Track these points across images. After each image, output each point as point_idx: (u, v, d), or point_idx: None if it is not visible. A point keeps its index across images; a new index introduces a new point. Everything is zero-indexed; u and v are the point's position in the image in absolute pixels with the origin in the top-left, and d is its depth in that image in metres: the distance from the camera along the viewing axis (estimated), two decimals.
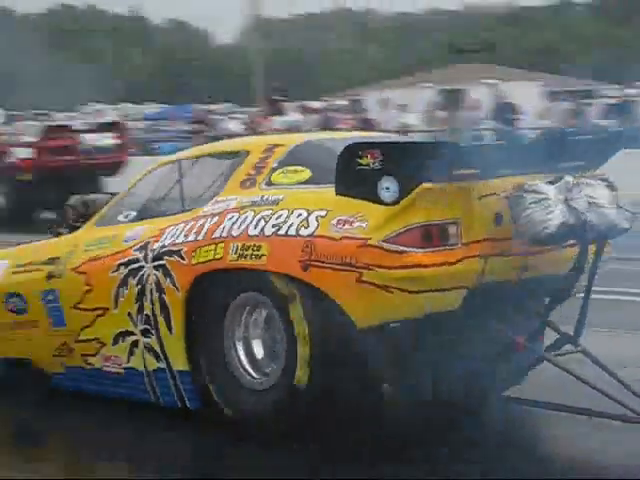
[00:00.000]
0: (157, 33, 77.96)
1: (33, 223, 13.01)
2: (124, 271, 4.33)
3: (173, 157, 5.04)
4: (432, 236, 3.47)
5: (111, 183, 14.10)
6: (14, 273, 4.99)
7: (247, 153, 4.37)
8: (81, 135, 13.27)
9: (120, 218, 4.70)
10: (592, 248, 3.76)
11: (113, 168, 13.65)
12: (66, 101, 46.47)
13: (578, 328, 3.90)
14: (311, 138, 4.94)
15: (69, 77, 53.45)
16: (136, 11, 77.73)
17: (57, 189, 12.86)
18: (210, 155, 4.78)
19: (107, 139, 13.30)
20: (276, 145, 4.37)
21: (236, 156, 4.42)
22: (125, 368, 4.43)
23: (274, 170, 4.16)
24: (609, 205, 3.65)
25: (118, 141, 13.62)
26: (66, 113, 41.81)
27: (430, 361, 3.71)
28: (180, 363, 4.15)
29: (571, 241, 3.70)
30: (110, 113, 40.57)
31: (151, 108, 44.00)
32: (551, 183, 3.57)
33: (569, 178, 3.61)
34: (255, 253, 3.80)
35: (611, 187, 3.78)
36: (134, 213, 4.67)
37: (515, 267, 3.67)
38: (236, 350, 4.03)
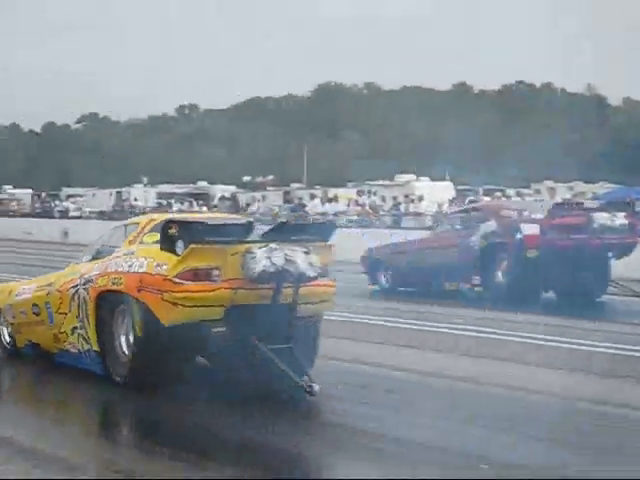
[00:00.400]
0: (610, 111, 76.80)
1: (536, 302, 12.80)
2: (73, 290, 7.42)
3: (117, 223, 8.97)
4: (199, 275, 6.35)
5: (618, 265, 13.65)
6: (36, 291, 8.18)
7: (138, 224, 7.67)
8: (591, 214, 12.93)
9: (84, 259, 7.97)
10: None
11: (623, 249, 13.14)
12: (518, 178, 47.17)
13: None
14: (168, 216, 7.94)
15: (522, 153, 54.54)
16: (593, 90, 77.89)
17: (562, 268, 12.75)
18: (128, 225, 8.02)
19: (618, 219, 12.80)
20: (152, 220, 7.57)
21: (135, 225, 7.70)
22: (78, 350, 7.38)
23: (145, 234, 7.25)
24: (301, 262, 6.28)
25: (629, 221, 13.03)
26: (518, 189, 42.49)
27: (209, 347, 6.72)
28: (95, 346, 7.07)
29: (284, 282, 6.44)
30: (563, 191, 40.29)
31: (603, 188, 42.72)
32: (260, 248, 6.26)
33: (273, 245, 6.30)
34: (119, 281, 6.77)
35: (306, 252, 6.39)
36: (89, 256, 7.90)
37: (258, 296, 6.51)
38: (119, 339, 6.94)
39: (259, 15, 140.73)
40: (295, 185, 47.80)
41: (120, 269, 6.87)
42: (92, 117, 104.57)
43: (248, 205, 36.27)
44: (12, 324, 8.46)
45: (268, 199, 40.95)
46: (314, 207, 29.76)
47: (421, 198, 30.27)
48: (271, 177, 49.76)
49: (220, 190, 47.31)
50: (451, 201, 28.67)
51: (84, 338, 7.27)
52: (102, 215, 40.58)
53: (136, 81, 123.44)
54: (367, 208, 29.75)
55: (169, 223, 6.63)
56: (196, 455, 5.18)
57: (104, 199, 47.38)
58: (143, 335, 6.62)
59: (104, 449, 5.73)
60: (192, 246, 6.31)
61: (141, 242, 7.21)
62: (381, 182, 42.10)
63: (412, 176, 41.31)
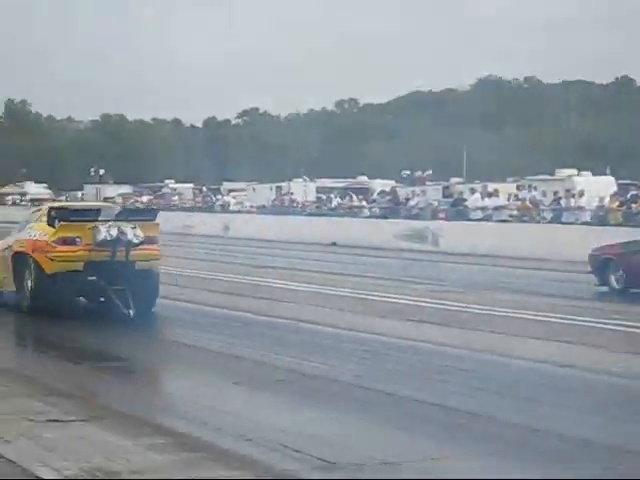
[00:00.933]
0: None
1: None
2: (2, 253, 11.84)
3: (34, 209, 14.47)
4: (67, 241, 10.73)
5: None
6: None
7: (41, 210, 12.41)
8: None
9: (13, 233, 12.50)
10: None
11: None
12: None
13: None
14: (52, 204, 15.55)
15: None
16: None
17: None
18: (38, 210, 12.93)
19: None
20: (48, 207, 12.26)
21: (39, 211, 12.44)
22: (5, 291, 11.78)
23: (43, 216, 11.55)
24: (129, 234, 10.51)
25: None
26: None
27: (83, 288, 10.99)
28: (13, 287, 11.40)
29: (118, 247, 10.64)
30: None
31: None
32: (103, 224, 10.59)
33: (111, 222, 10.72)
34: (23, 245, 11.33)
35: (133, 227, 10.66)
36: (17, 231, 12.23)
37: (103, 255, 10.59)
38: (26, 282, 11.09)
39: (421, 11, 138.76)
40: (454, 180, 46.53)
41: (24, 237, 11.70)
42: (252, 112, 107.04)
43: (407, 199, 35.25)
44: None
45: (427, 193, 39.91)
46: (474, 201, 29.19)
47: (582, 193, 28.90)
48: (430, 171, 48.42)
49: (379, 184, 46.64)
50: (612, 196, 27.40)
51: (7, 283, 11.83)
52: (262, 209, 40.69)
53: (292, 76, 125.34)
54: (527, 203, 28.89)
55: (51, 209, 12.03)
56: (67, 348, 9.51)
57: (264, 193, 47.83)
58: (35, 279, 11.04)
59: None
60: (62, 223, 11.11)
61: (40, 221, 11.75)
62: (541, 177, 40.67)
63: (573, 171, 39.76)
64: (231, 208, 43.84)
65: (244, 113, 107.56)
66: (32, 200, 65.92)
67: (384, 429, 5.77)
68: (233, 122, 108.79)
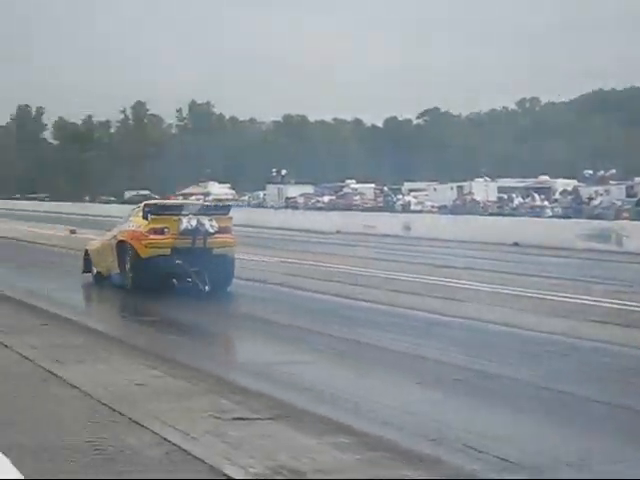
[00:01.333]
0: None
1: None
2: (110, 242, 14.42)
3: (134, 206, 17.06)
4: (157, 231, 13.37)
5: None
6: (99, 243, 15.59)
7: (140, 206, 14.94)
8: None
9: (118, 225, 15.18)
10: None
11: None
12: None
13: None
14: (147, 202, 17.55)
15: None
16: None
17: None
18: (137, 207, 15.37)
19: None
20: (144, 204, 15.14)
21: (139, 207, 14.94)
22: (114, 273, 14.39)
23: (140, 210, 14.37)
24: (207, 225, 13.21)
25: None
26: None
27: (171, 269, 13.32)
28: (118, 270, 14.02)
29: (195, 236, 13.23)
30: None
31: None
32: (185, 217, 13.29)
33: (191, 216, 13.36)
34: (124, 235, 13.93)
35: (210, 220, 13.37)
36: (121, 224, 14.96)
37: (186, 242, 13.18)
38: (126, 265, 13.60)
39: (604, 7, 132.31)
40: (639, 179, 44.29)
41: (125, 229, 14.30)
42: (433, 111, 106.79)
43: (590, 199, 34.24)
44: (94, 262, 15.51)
45: (611, 193, 38.52)
46: None
47: None
48: (614, 171, 46.37)
49: (561, 184, 45.53)
50: None
51: (113, 267, 14.29)
52: (443, 209, 40.68)
53: (473, 75, 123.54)
54: None
55: (145, 205, 14.84)
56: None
57: (445, 193, 47.75)
58: (133, 262, 13.50)
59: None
60: (153, 216, 13.70)
61: (137, 215, 14.38)
62: None
63: None
64: (412, 208, 44.17)
65: (425, 113, 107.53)
66: (215, 200, 68.77)
67: (564, 430, 5.77)
68: (414, 122, 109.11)
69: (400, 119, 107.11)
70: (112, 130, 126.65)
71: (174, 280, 13.72)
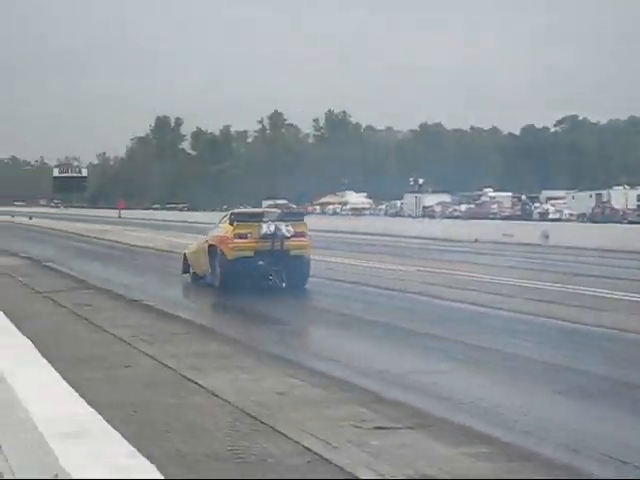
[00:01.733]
0: None
1: None
2: (202, 246, 16.60)
3: (223, 214, 19.34)
4: (241, 236, 15.24)
5: None
6: (194, 248, 17.76)
7: (226, 215, 17.01)
8: None
9: (210, 232, 16.97)
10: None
11: None
12: None
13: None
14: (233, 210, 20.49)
15: None
16: None
17: None
18: (225, 215, 17.36)
19: None
20: (230, 212, 17.56)
21: (226, 216, 16.98)
22: (206, 274, 16.51)
23: (226, 218, 16.60)
24: (283, 230, 15.03)
25: None
26: None
27: (254, 269, 15.06)
28: (209, 270, 16.05)
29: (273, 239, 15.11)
30: None
31: None
32: (264, 223, 15.14)
33: (270, 222, 15.18)
34: (213, 240, 16.05)
35: (287, 225, 15.18)
36: (212, 230, 16.91)
37: (266, 246, 15.09)
38: (216, 266, 15.62)
39: None
40: None
41: (214, 234, 16.16)
42: (571, 119, 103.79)
43: None
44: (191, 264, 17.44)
45: None
46: None
47: None
48: None
49: None
50: None
51: (207, 268, 16.02)
52: (582, 217, 39.85)
53: (606, 83, 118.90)
54: None
55: (231, 213, 16.73)
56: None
57: (584, 201, 46.70)
58: (221, 264, 15.26)
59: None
60: (237, 223, 15.45)
61: (225, 222, 16.08)
62: None
63: None
64: (550, 216, 43.42)
65: (562, 120, 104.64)
66: (352, 209, 69.68)
67: None
68: (551, 130, 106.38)
69: (538, 127, 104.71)
70: (249, 140, 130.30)
71: (260, 278, 15.14)
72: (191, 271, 17.35)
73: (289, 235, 14.99)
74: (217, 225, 16.70)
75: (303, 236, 15.54)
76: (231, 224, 15.48)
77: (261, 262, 14.83)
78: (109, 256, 27.88)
